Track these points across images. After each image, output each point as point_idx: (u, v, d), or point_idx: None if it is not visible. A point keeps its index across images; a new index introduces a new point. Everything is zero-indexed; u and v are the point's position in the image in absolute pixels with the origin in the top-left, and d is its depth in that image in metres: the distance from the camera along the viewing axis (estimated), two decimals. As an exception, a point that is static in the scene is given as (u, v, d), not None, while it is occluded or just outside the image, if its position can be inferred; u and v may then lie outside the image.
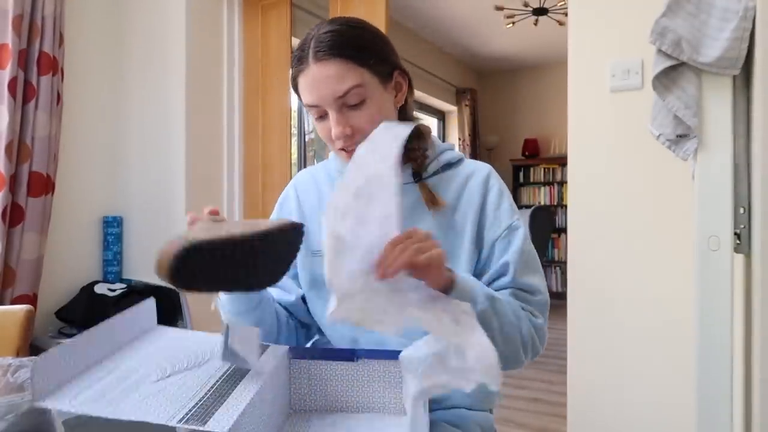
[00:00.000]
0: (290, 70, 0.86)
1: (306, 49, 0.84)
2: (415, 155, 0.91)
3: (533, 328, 0.82)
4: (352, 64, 0.82)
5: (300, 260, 0.97)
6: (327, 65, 0.81)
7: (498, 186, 0.92)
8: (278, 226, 0.70)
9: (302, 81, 0.85)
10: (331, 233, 0.59)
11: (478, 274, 0.87)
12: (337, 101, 0.83)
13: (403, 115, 0.95)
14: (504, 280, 0.85)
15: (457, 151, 0.98)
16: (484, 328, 0.61)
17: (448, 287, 0.70)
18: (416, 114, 0.99)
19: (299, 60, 0.85)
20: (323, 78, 0.82)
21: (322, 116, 0.86)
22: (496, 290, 0.83)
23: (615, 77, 1.61)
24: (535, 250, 0.90)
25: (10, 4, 1.91)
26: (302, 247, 0.94)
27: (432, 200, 0.88)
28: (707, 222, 1.08)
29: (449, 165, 0.94)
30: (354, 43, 0.83)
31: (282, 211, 1.04)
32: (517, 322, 0.79)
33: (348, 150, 0.86)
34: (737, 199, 1.07)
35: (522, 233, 0.88)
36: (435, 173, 0.93)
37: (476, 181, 0.91)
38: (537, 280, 0.87)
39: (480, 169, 0.94)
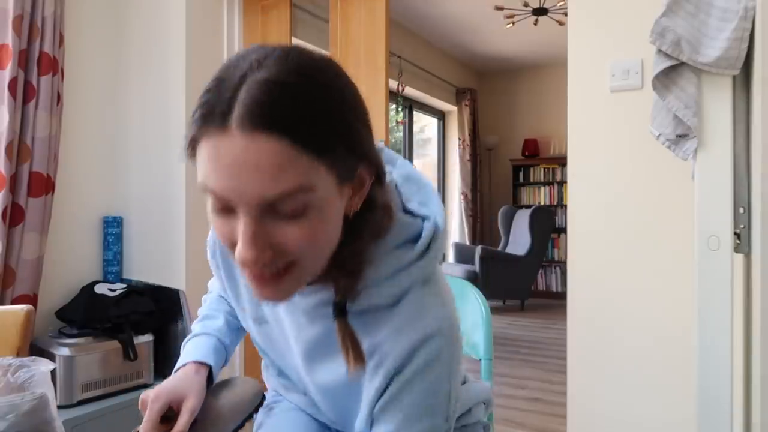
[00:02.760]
0: (193, 115, 0.53)
1: (229, 103, 0.50)
2: (337, 276, 0.61)
3: None
4: (302, 150, 0.50)
5: (238, 313, 0.81)
6: (264, 143, 0.48)
7: (422, 368, 0.59)
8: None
9: (210, 150, 0.51)
10: None
11: None
12: (261, 206, 0.51)
13: (364, 224, 0.61)
14: None
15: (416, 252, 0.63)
16: None
17: None
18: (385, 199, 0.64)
19: (214, 115, 0.50)
20: (252, 162, 0.49)
21: (227, 212, 0.53)
22: None
23: (615, 77, 1.61)
24: None
25: (10, 4, 1.91)
26: (235, 303, 0.80)
27: (354, 356, 0.59)
28: (707, 222, 1.08)
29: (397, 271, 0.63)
30: (315, 115, 0.51)
31: (212, 262, 0.81)
32: None
33: (258, 277, 0.55)
34: (737, 199, 1.07)
35: None
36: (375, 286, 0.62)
37: (407, 336, 0.59)
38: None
39: (423, 320, 0.60)
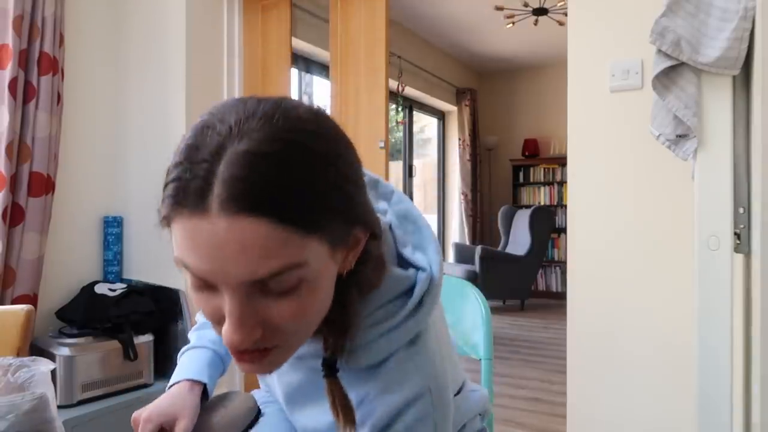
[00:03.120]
0: (165, 190, 0.47)
1: (206, 183, 0.44)
2: (326, 334, 0.57)
3: None
4: (291, 230, 0.45)
5: None
6: (248, 226, 0.44)
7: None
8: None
9: (186, 230, 0.46)
10: None
11: None
12: (249, 285, 0.47)
13: (356, 281, 0.57)
14: None
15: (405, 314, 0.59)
16: None
17: None
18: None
19: (184, 192, 0.45)
20: (233, 246, 0.44)
21: (209, 289, 0.49)
22: None
23: (615, 77, 1.61)
24: None
25: (10, 4, 1.91)
26: None
27: (344, 417, 0.55)
28: (707, 222, 1.08)
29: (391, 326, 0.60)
30: (303, 189, 0.45)
31: None
32: None
33: (244, 355, 0.51)
34: (737, 199, 1.07)
35: None
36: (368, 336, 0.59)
37: (394, 396, 0.57)
38: None
39: (411, 380, 0.57)
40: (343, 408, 0.55)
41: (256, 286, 0.47)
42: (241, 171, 0.43)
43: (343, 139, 0.52)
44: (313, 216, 0.46)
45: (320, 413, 0.62)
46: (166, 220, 0.48)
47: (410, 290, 0.60)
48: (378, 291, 0.59)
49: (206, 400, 0.77)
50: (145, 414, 0.69)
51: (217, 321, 0.50)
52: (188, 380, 0.76)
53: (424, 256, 0.63)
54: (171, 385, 0.76)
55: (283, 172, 0.44)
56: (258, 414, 0.77)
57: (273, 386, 0.74)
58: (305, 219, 0.46)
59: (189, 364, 0.79)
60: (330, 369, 0.57)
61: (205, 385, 0.77)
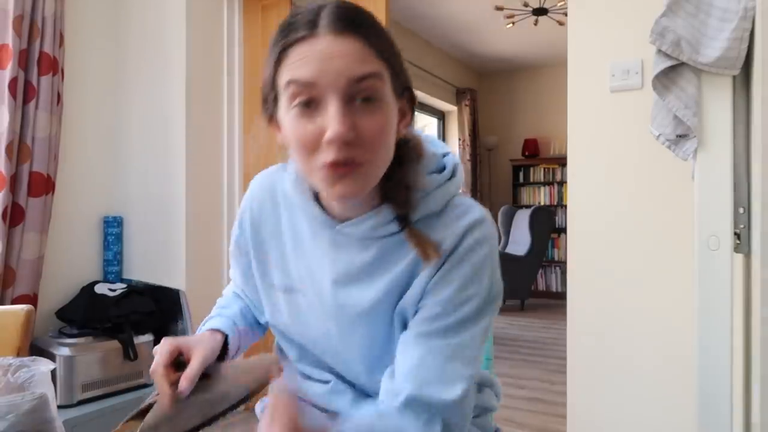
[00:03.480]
0: (278, 39, 0.67)
1: (315, 17, 0.65)
2: (395, 193, 0.71)
3: None
4: (375, 51, 0.65)
5: (263, 293, 0.84)
6: (348, 41, 0.64)
7: (477, 250, 0.70)
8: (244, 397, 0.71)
9: (300, 52, 0.64)
10: None
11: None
12: (348, 86, 0.63)
13: (404, 152, 0.74)
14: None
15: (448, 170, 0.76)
16: None
17: None
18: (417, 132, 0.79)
19: (301, 27, 0.65)
20: (339, 53, 0.63)
21: (309, 105, 0.64)
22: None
23: (615, 77, 1.61)
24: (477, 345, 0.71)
25: (10, 4, 1.91)
26: (261, 281, 0.83)
27: (427, 250, 0.69)
28: (707, 222, 1.08)
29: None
30: (379, 32, 0.68)
31: (237, 246, 0.86)
32: None
33: (338, 168, 0.64)
34: (737, 199, 1.07)
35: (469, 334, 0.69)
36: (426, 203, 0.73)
37: (457, 225, 0.71)
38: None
39: (469, 213, 0.72)
40: (423, 244, 0.69)
41: (352, 91, 0.63)
42: (340, 11, 0.65)
43: None
44: (387, 49, 0.68)
45: (366, 292, 0.73)
46: (281, 53, 0.66)
47: (441, 171, 0.76)
48: (420, 165, 0.74)
49: (226, 353, 0.79)
50: (164, 341, 0.73)
51: (316, 144, 0.64)
52: (210, 329, 0.79)
53: (445, 150, 0.80)
54: None
55: (367, 18, 0.67)
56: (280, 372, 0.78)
57: (317, 320, 0.77)
58: (383, 48, 0.67)
59: (209, 325, 0.82)
60: (404, 220, 0.71)
61: (227, 336, 0.80)
